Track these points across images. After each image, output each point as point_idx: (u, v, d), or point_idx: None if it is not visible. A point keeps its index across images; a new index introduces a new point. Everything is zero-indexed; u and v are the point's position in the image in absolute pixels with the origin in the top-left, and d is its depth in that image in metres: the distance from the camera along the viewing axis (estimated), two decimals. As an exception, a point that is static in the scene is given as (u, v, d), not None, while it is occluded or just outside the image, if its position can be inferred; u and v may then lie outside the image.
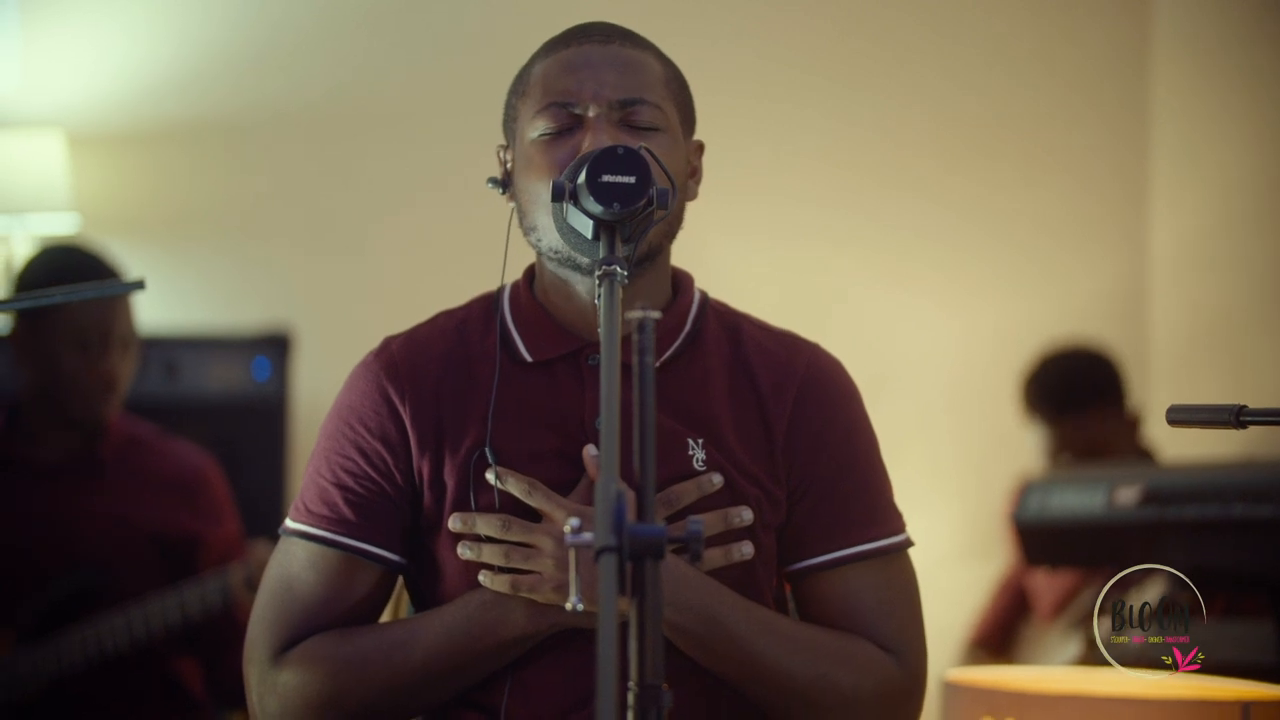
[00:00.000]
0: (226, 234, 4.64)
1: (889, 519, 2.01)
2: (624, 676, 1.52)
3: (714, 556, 1.92)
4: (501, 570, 1.90)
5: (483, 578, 1.91)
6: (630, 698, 1.52)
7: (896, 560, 2.00)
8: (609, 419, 1.60)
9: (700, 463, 1.94)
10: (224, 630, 3.25)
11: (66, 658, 3.15)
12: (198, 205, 4.63)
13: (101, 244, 3.61)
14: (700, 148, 2.04)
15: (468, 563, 1.92)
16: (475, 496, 1.93)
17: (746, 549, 1.93)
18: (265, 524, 3.42)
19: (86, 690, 3.18)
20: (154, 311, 4.23)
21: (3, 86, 4.51)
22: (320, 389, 4.37)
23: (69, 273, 3.21)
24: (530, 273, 2.04)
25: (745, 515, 1.93)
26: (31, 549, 3.21)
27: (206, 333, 4.26)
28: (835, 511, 1.98)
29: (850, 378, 2.04)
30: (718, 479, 1.93)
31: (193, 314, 4.49)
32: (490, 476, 1.92)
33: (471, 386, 1.97)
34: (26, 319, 3.24)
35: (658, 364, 1.95)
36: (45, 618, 3.16)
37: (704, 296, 2.05)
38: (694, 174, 2.02)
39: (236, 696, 3.28)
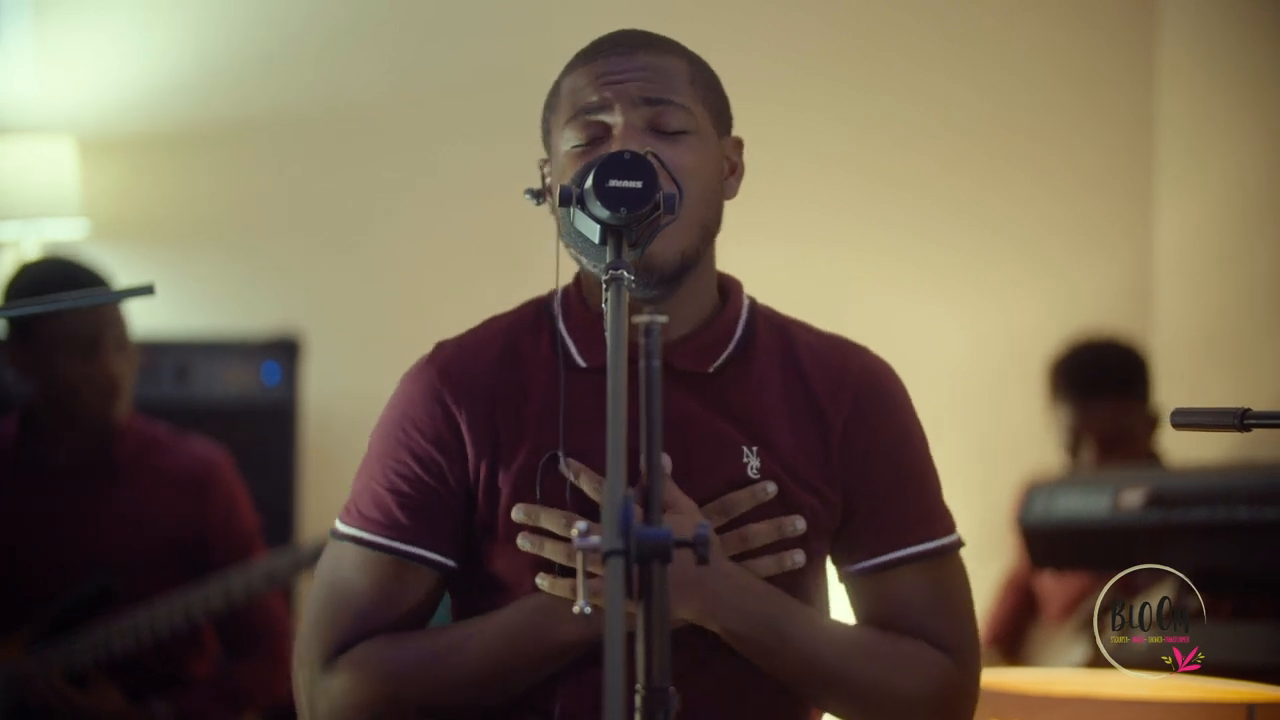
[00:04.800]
0: (236, 239, 4.66)
1: (941, 519, 2.02)
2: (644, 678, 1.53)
3: (766, 565, 1.92)
4: (561, 571, 1.90)
5: (541, 581, 1.91)
6: (637, 700, 1.53)
7: (949, 560, 2.00)
8: (615, 423, 1.60)
9: (755, 471, 1.94)
10: (237, 633, 3.27)
11: (76, 660, 3.16)
12: (208, 210, 4.65)
13: (112, 249, 3.63)
14: (739, 144, 2.03)
15: (520, 569, 1.92)
16: (541, 495, 1.92)
17: (799, 558, 1.93)
18: (274, 527, 3.44)
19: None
20: (164, 316, 4.24)
21: (15, 92, 4.53)
22: (330, 393, 4.39)
23: (59, 284, 3.20)
24: (579, 276, 2.02)
25: (799, 524, 1.93)
26: (47, 551, 3.22)
27: (216, 337, 4.27)
28: (890, 514, 1.99)
29: (900, 380, 2.05)
30: (771, 488, 1.93)
31: (203, 318, 4.50)
32: (567, 471, 1.91)
33: (525, 391, 1.96)
34: (19, 332, 3.24)
35: (711, 370, 1.97)
36: (60, 621, 3.17)
37: (753, 302, 2.05)
38: (734, 170, 2.01)
39: (249, 698, 3.31)
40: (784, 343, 2.02)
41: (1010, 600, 4.23)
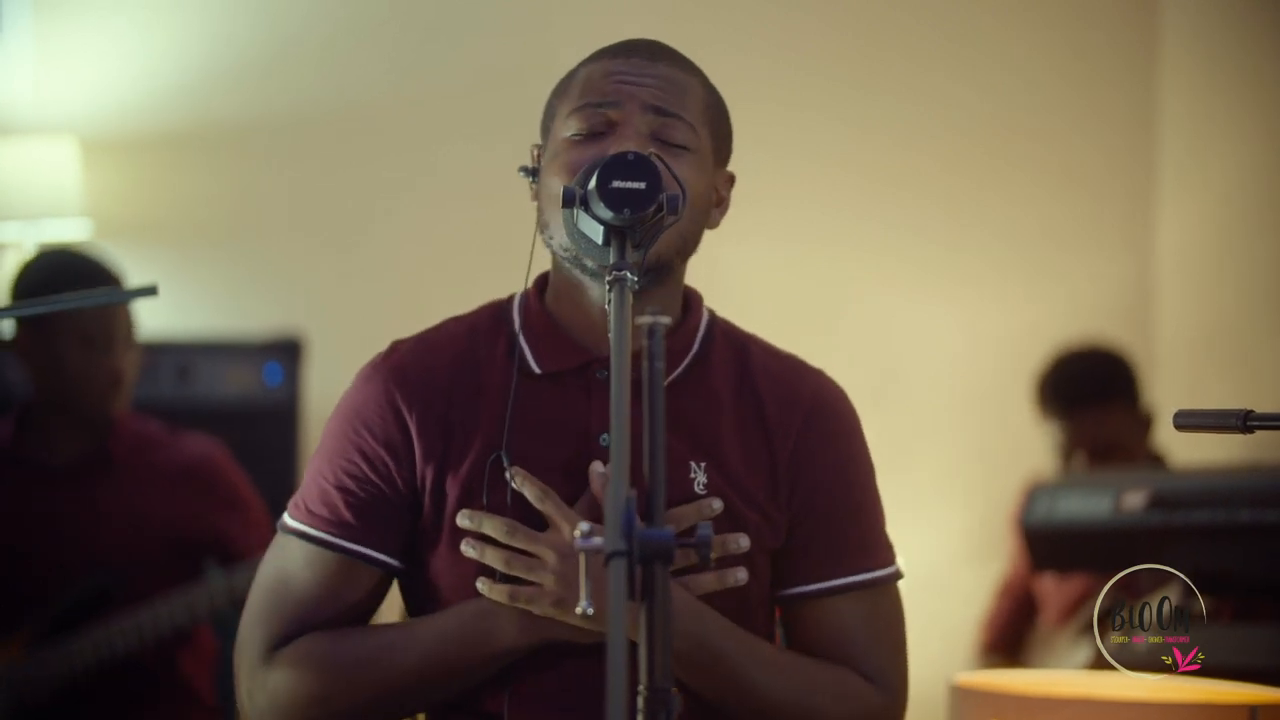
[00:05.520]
0: (238, 240, 4.66)
1: (880, 550, 2.03)
2: (633, 682, 1.53)
3: (708, 581, 1.92)
4: (501, 579, 1.91)
5: (481, 585, 1.91)
6: (640, 701, 1.53)
7: (886, 592, 2.02)
8: (618, 426, 1.60)
9: (701, 486, 1.95)
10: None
11: (78, 660, 3.16)
12: (210, 211, 4.65)
13: (114, 250, 3.63)
14: (731, 179, 2.03)
15: (463, 573, 1.93)
16: (487, 500, 1.93)
17: (741, 575, 1.93)
18: (275, 527, 3.43)
19: (97, 692, 3.19)
20: (166, 316, 4.24)
21: (16, 93, 4.53)
22: (331, 394, 4.35)
23: (68, 277, 3.21)
24: (541, 282, 2.04)
25: (742, 542, 1.94)
26: (45, 551, 3.22)
27: (218, 338, 4.27)
28: (830, 541, 1.99)
29: (852, 406, 2.05)
30: (718, 504, 1.93)
31: (204, 319, 4.50)
32: (515, 480, 1.91)
33: (479, 395, 1.97)
34: (29, 322, 3.25)
35: (665, 383, 1.96)
36: (61, 620, 3.18)
37: (712, 316, 2.05)
38: (720, 204, 2.02)
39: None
40: (740, 359, 2.03)
41: (1008, 603, 4.23)
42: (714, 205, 2.01)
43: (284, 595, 1.95)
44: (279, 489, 4.02)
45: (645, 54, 1.98)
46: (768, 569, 1.99)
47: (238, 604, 3.17)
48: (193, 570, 3.24)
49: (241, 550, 3.26)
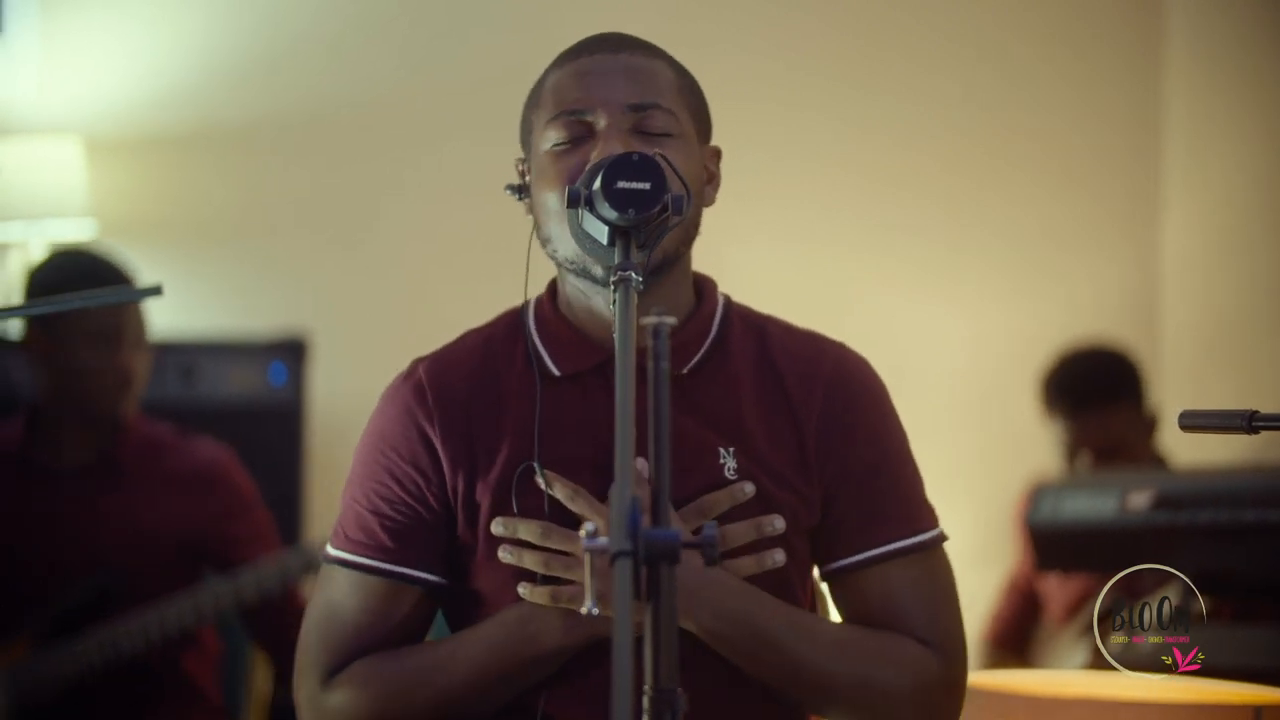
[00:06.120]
0: (243, 239, 4.66)
1: (923, 514, 2.02)
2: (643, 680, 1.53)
3: (746, 565, 1.93)
4: (542, 580, 1.91)
5: (522, 590, 1.92)
6: (645, 702, 1.53)
7: (932, 555, 2.00)
8: (623, 425, 1.61)
9: (732, 471, 1.95)
10: (277, 626, 3.27)
11: (83, 660, 3.16)
12: (215, 211, 4.65)
13: (119, 249, 3.63)
14: (717, 154, 2.04)
15: (504, 582, 1.93)
16: (520, 506, 1.94)
17: (779, 556, 1.93)
18: (281, 527, 3.44)
19: (102, 693, 3.20)
20: (171, 316, 4.24)
21: (22, 92, 4.54)
22: (336, 394, 4.39)
23: (81, 277, 3.22)
24: (553, 286, 2.04)
25: (778, 524, 1.93)
26: (50, 552, 3.22)
27: (223, 338, 4.27)
28: (870, 509, 1.98)
29: (876, 374, 2.05)
30: (749, 488, 1.93)
31: (209, 319, 4.50)
32: (540, 481, 1.92)
33: (500, 403, 1.97)
34: (39, 321, 3.25)
35: (685, 371, 1.97)
36: (64, 621, 3.18)
37: (728, 301, 2.05)
38: (711, 180, 2.02)
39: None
40: (758, 340, 2.02)
41: (1013, 602, 4.23)
42: (706, 183, 2.01)
43: (334, 624, 1.97)
44: (284, 488, 4.05)
45: (609, 48, 1.97)
46: (805, 549, 1.98)
47: (242, 607, 3.20)
48: (197, 574, 3.25)
49: (245, 556, 3.27)
